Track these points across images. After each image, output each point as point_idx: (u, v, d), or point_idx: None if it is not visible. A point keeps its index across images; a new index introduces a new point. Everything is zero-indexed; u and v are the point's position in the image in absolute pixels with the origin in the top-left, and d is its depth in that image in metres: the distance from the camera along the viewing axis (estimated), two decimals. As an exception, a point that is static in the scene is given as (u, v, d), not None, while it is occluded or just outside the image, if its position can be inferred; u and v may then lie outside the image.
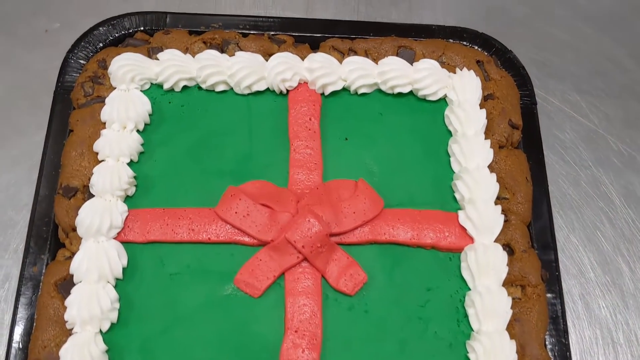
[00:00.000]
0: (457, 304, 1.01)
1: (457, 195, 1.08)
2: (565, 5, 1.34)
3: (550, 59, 1.32)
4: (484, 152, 1.09)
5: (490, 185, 1.07)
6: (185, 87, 1.15)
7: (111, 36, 1.20)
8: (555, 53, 1.33)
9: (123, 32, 1.21)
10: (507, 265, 1.02)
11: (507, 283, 1.02)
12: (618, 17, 1.37)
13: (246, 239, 1.03)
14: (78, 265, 0.98)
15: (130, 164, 1.07)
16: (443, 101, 1.17)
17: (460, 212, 1.06)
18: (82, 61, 1.18)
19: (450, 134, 1.14)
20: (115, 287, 0.99)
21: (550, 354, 1.00)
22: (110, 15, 1.21)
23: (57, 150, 1.10)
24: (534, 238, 1.09)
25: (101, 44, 1.20)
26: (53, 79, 1.16)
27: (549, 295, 1.04)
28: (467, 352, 0.98)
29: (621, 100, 1.27)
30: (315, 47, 1.22)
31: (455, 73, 1.18)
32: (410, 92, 1.17)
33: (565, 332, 1.01)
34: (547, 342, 1.01)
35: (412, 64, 1.18)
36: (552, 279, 1.06)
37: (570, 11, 1.34)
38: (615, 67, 1.32)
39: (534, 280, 1.03)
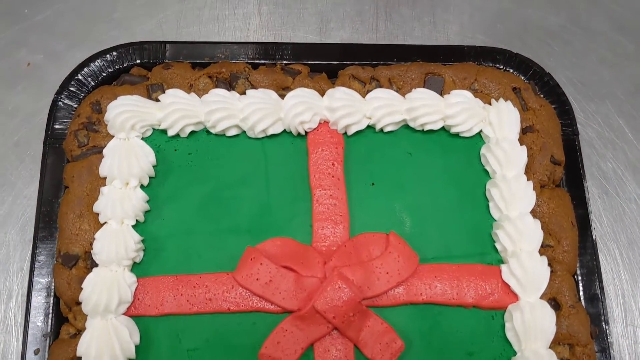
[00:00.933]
0: (502, 368, 0.93)
1: (498, 246, 0.99)
2: (604, 16, 1.21)
3: (588, 78, 1.20)
4: (527, 196, 0.99)
5: (534, 235, 0.97)
6: (192, 132, 1.03)
7: (104, 72, 1.07)
8: (593, 70, 1.21)
9: (117, 67, 1.08)
10: (555, 324, 0.94)
11: (555, 342, 0.94)
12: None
13: (270, 307, 0.93)
14: (86, 347, 0.89)
15: (136, 225, 0.96)
16: (478, 137, 1.06)
17: (503, 267, 0.97)
18: (72, 103, 1.05)
19: (487, 174, 1.03)
20: (128, 368, 0.90)
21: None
22: (99, 43, 1.09)
23: (52, 208, 0.99)
24: (580, 288, 1.00)
25: (93, 83, 1.07)
26: (42, 123, 1.04)
27: (598, 353, 0.96)
28: None
29: (670, 122, 1.17)
30: (333, 75, 1.10)
31: (490, 104, 1.06)
32: (442, 128, 1.05)
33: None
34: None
35: (441, 94, 1.07)
36: (601, 334, 0.98)
37: (609, 23, 1.21)
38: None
39: (584, 339, 0.95)
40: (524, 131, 1.06)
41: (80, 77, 1.06)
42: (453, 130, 1.04)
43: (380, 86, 1.08)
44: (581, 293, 1.00)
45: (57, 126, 1.03)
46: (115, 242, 0.93)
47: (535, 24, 1.19)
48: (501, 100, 1.06)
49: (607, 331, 0.98)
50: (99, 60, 1.07)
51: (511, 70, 1.13)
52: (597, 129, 1.15)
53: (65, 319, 0.95)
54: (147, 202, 0.98)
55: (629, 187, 1.11)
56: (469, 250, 0.99)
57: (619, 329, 1.04)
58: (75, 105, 1.05)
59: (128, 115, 0.99)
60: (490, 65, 1.12)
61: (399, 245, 0.96)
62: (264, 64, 1.09)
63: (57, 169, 1.01)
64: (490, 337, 0.95)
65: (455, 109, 1.03)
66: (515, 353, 0.94)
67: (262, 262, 0.93)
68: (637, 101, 1.18)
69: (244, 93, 1.03)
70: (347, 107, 1.01)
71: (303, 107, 1.00)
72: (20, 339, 0.92)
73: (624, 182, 1.12)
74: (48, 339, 0.93)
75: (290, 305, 0.92)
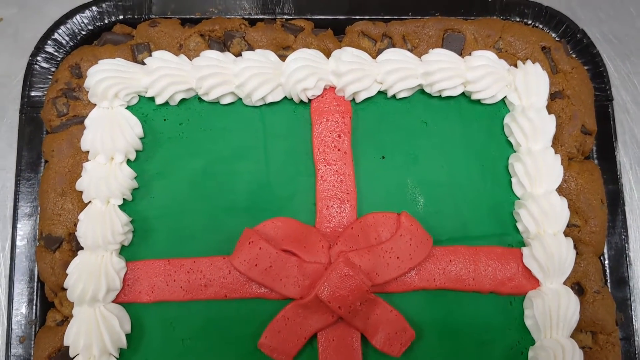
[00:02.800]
0: (518, 358, 0.88)
1: (519, 227, 0.90)
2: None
3: (625, 33, 1.07)
4: (554, 173, 0.90)
5: (560, 216, 0.89)
6: (183, 100, 0.92)
7: (83, 31, 0.96)
8: (631, 24, 1.08)
9: (98, 25, 0.96)
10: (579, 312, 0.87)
11: (577, 329, 0.88)
12: None
13: (270, 293, 0.86)
14: (73, 337, 0.83)
15: (124, 204, 0.88)
16: (502, 103, 0.95)
17: (524, 250, 0.89)
18: (49, 66, 0.94)
19: (510, 146, 0.93)
20: (120, 358, 0.84)
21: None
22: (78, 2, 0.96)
23: (32, 184, 0.91)
24: (606, 270, 0.93)
25: (71, 43, 0.95)
26: (17, 87, 0.95)
27: (622, 340, 0.89)
28: (533, 420, 0.85)
29: None
30: (340, 32, 0.99)
31: (516, 66, 0.95)
32: (462, 94, 0.94)
33: (642, 384, 0.88)
34: (619, 398, 0.88)
35: (462, 55, 0.95)
36: (627, 320, 0.91)
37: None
38: None
39: (608, 327, 0.88)
40: (553, 97, 0.95)
41: (57, 36, 0.95)
42: (474, 96, 0.93)
43: (393, 45, 0.97)
44: (608, 276, 0.93)
45: (33, 93, 0.93)
46: (101, 224, 0.85)
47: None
48: (528, 62, 0.94)
49: (634, 317, 0.91)
50: (78, 17, 0.96)
51: (540, 26, 1.00)
52: (633, 92, 1.03)
53: (52, 304, 0.88)
54: (135, 178, 0.89)
55: (666, 159, 1.01)
56: (487, 231, 0.91)
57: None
58: (53, 69, 0.94)
59: (111, 82, 0.88)
60: (517, 20, 1.00)
61: (411, 227, 0.87)
62: (262, 20, 0.97)
63: (36, 140, 0.93)
64: (507, 325, 0.88)
65: (478, 72, 0.92)
66: (533, 342, 0.87)
67: (261, 246, 0.85)
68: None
69: (240, 55, 0.92)
70: (355, 72, 0.90)
71: (306, 71, 0.89)
72: (5, 324, 0.86)
73: (661, 154, 1.01)
74: (34, 326, 0.87)
75: (292, 293, 0.85)
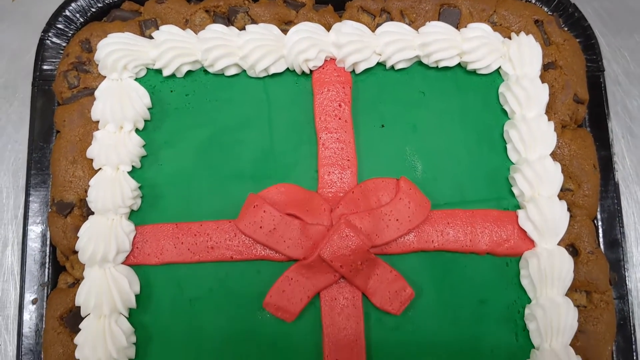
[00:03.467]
0: (515, 316, 0.90)
1: (515, 191, 0.93)
2: None
3: (615, 8, 1.11)
4: (548, 138, 0.93)
5: (554, 179, 0.92)
6: (189, 72, 0.96)
7: (93, 8, 1.00)
8: (620, 1, 1.12)
9: (107, 2, 1.00)
10: (573, 271, 0.89)
11: (572, 288, 0.91)
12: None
13: (274, 255, 0.89)
14: (85, 297, 0.86)
15: (133, 171, 0.91)
16: (496, 74, 0.98)
17: (520, 212, 0.92)
18: (61, 42, 0.98)
19: (505, 114, 0.97)
20: (130, 317, 0.87)
21: (615, 364, 0.90)
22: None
23: (44, 154, 0.95)
24: (599, 233, 0.96)
25: (82, 19, 0.99)
26: (30, 63, 0.98)
27: (616, 299, 0.92)
28: (529, 373, 0.88)
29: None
30: (340, 7, 1.02)
31: (510, 38, 0.98)
32: (458, 65, 0.98)
33: (634, 341, 0.91)
34: (613, 353, 0.91)
35: (458, 28, 0.99)
36: (620, 280, 0.94)
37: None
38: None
39: (602, 286, 0.91)
40: (546, 67, 0.98)
41: (68, 13, 0.99)
42: (470, 67, 0.97)
43: (392, 19, 1.00)
44: (601, 238, 0.96)
45: (45, 67, 0.97)
46: (111, 189, 0.88)
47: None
48: (522, 34, 0.97)
49: (627, 277, 0.94)
50: (87, -6, 1.00)
51: (533, 1, 1.04)
52: (624, 64, 1.07)
53: (63, 267, 0.92)
54: (143, 147, 0.92)
55: (656, 127, 1.05)
56: (484, 195, 0.94)
57: (639, 274, 1.00)
58: (64, 44, 0.98)
59: (120, 54, 0.92)
60: (511, -5, 1.03)
61: (410, 191, 0.91)
62: (265, -3, 1.01)
63: (48, 112, 0.96)
64: (504, 284, 0.91)
65: (473, 43, 0.95)
66: (529, 300, 0.90)
67: (265, 209, 0.88)
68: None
69: (244, 29, 0.96)
70: (355, 43, 0.94)
71: (307, 43, 0.93)
72: (18, 288, 0.89)
73: (652, 123, 1.05)
74: (46, 288, 0.90)
75: (295, 254, 0.88)
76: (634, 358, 0.91)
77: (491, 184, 0.94)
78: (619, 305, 0.93)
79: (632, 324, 0.92)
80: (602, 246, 0.95)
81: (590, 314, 0.90)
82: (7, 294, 0.94)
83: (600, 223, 0.96)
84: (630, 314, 0.92)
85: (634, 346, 0.92)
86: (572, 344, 0.88)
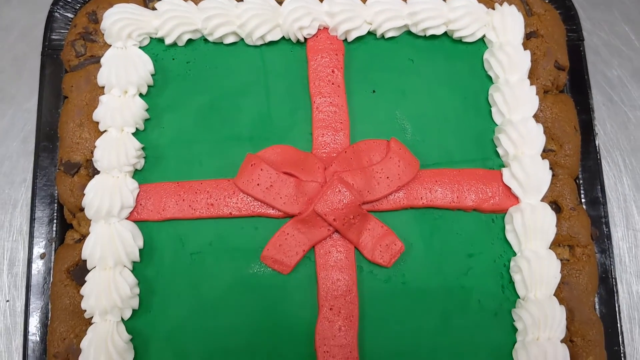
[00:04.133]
0: (501, 269, 0.94)
1: (500, 151, 0.98)
2: None
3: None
4: (530, 100, 0.98)
5: (536, 139, 0.97)
6: (190, 41, 1.02)
7: (100, -18, 1.05)
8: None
9: (113, -23, 1.06)
10: (555, 225, 0.94)
11: (555, 243, 0.95)
12: None
13: (271, 211, 0.94)
14: (90, 250, 0.90)
15: (136, 133, 0.97)
16: (481, 42, 1.04)
17: (504, 170, 0.96)
18: (69, 14, 1.04)
19: (490, 80, 1.02)
20: (133, 270, 0.92)
21: (598, 315, 0.94)
22: (95, -45, 1.05)
23: (52, 119, 1.00)
24: (581, 192, 1.00)
25: (89, -7, 1.05)
26: (39, 36, 1.03)
27: (598, 254, 0.97)
28: (514, 321, 0.92)
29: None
30: (333, -17, 1.07)
31: (493, 9, 1.04)
32: (444, 34, 1.03)
33: (615, 292, 0.95)
34: (596, 304, 0.95)
35: (445, 1, 1.04)
36: (602, 236, 0.98)
37: None
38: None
39: (584, 240, 0.96)
40: (528, 36, 1.04)
41: (75, -13, 1.05)
42: (456, 35, 1.02)
43: (382, -8, 1.06)
44: (582, 197, 1.00)
45: (54, 37, 1.03)
46: (116, 149, 0.93)
47: None
48: (505, 4, 1.03)
49: (608, 233, 0.98)
50: (94, -30, 1.05)
51: (516, -24, 1.09)
52: (603, 37, 1.12)
53: (70, 225, 0.96)
54: (147, 110, 0.97)
55: (634, 95, 1.10)
56: (470, 156, 0.99)
57: (620, 233, 1.04)
58: (72, 16, 1.04)
59: (125, 23, 0.97)
60: (495, -30, 1.09)
61: (400, 151, 0.96)
62: (262, -28, 1.07)
63: (56, 79, 1.01)
64: (490, 239, 0.96)
65: (458, 12, 1.01)
66: (514, 254, 0.94)
67: (262, 167, 0.93)
68: (646, 7, 1.15)
69: (242, 0, 1.01)
70: (347, 12, 0.99)
71: (302, 11, 0.99)
72: (27, 245, 0.93)
73: (629, 90, 1.10)
74: (53, 243, 0.94)
75: (291, 210, 0.93)
76: (616, 308, 0.96)
77: (477, 145, 0.99)
78: (601, 259, 0.97)
79: (613, 277, 0.96)
80: (583, 204, 0.99)
81: (573, 267, 0.95)
82: (16, 252, 0.99)
83: (581, 182, 1.01)
84: (612, 267, 0.97)
85: (615, 296, 0.96)
86: (557, 295, 0.92)
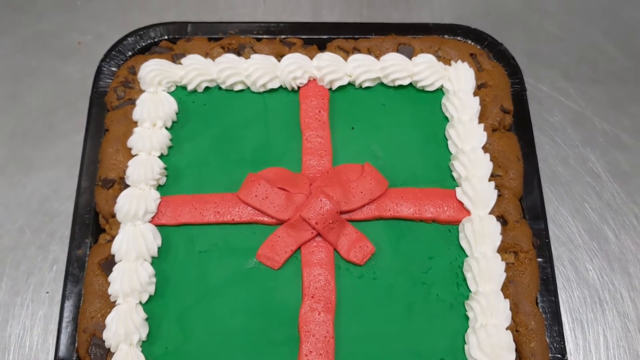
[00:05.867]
0: (456, 269, 1.12)
1: (454, 174, 1.20)
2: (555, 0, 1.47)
3: (541, 50, 1.43)
4: (478, 134, 1.21)
5: (484, 164, 1.18)
6: (207, 88, 1.28)
7: (138, 45, 1.34)
8: (545, 44, 1.44)
9: (149, 42, 1.35)
10: (501, 234, 1.13)
11: (502, 250, 1.13)
12: (604, 10, 1.48)
13: (266, 219, 1.15)
14: (118, 246, 1.11)
15: (161, 157, 1.20)
16: (440, 91, 1.28)
17: (457, 189, 1.17)
18: (113, 68, 1.31)
19: (447, 120, 1.25)
20: (152, 264, 1.11)
21: (541, 311, 1.11)
22: (135, 26, 1.35)
23: (95, 148, 1.24)
24: (525, 211, 1.20)
25: (130, 53, 1.33)
26: (88, 87, 1.30)
27: (540, 259, 1.14)
28: (466, 311, 1.09)
29: (606, 85, 1.38)
30: (322, 47, 1.34)
31: (450, 65, 1.29)
32: (410, 84, 1.28)
33: (555, 292, 1.12)
34: (538, 301, 1.11)
35: (410, 59, 1.30)
36: (543, 246, 1.16)
37: (560, 5, 1.45)
38: (601, 55, 1.43)
39: (526, 247, 1.14)
40: (479, 87, 1.28)
41: (120, 49, 1.33)
42: (419, 85, 1.27)
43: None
44: (526, 215, 1.20)
45: (100, 85, 1.30)
46: (144, 168, 1.16)
47: (496, 7, 1.44)
48: (459, 61, 1.29)
49: (547, 243, 1.16)
50: (135, 36, 1.34)
51: (469, 42, 1.36)
52: (546, 90, 1.36)
53: (103, 230, 1.18)
54: (170, 140, 1.22)
55: (572, 136, 1.32)
56: (431, 178, 1.20)
57: (557, 244, 1.22)
58: (115, 69, 1.31)
59: (156, 73, 1.25)
60: (452, 38, 1.36)
61: (372, 172, 1.18)
62: (266, 39, 1.35)
63: (100, 117, 1.27)
64: (447, 245, 1.14)
65: (421, 67, 1.26)
66: (467, 256, 1.13)
67: (260, 182, 1.15)
68: (582, 68, 1.40)
69: (249, 58, 1.29)
70: (331, 66, 1.26)
71: (295, 65, 1.25)
72: (67, 248, 1.14)
73: (569, 132, 1.32)
74: (89, 242, 1.16)
75: (282, 216, 1.14)
76: (555, 305, 1.11)
77: (436, 170, 1.21)
78: (543, 265, 1.15)
79: (553, 278, 1.13)
80: (527, 219, 1.19)
81: (518, 268, 1.13)
82: (58, 254, 1.20)
83: (525, 204, 1.21)
84: (552, 271, 1.14)
85: (555, 295, 1.12)
86: (503, 292, 1.09)
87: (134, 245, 1.11)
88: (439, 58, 1.31)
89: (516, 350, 1.06)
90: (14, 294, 1.18)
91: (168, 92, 1.27)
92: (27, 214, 1.25)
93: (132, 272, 1.08)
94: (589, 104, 1.37)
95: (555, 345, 1.09)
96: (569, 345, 1.14)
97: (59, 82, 1.39)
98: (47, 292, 1.18)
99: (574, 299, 1.19)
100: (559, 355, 1.08)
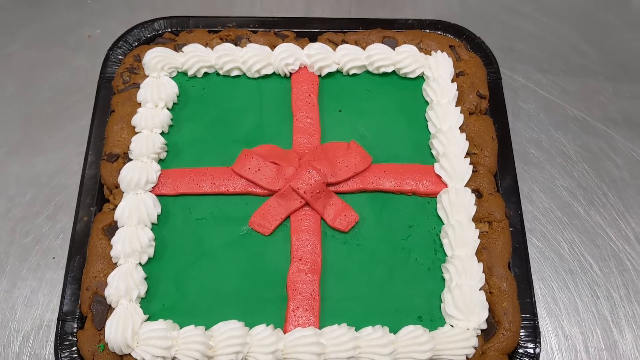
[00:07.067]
0: (434, 237, 1.21)
1: (433, 152, 1.29)
2: (530, 1, 1.58)
3: (516, 46, 1.55)
4: (455, 116, 1.31)
5: (460, 142, 1.28)
6: (206, 74, 1.38)
7: (144, 36, 1.46)
8: (521, 41, 1.56)
9: (153, 33, 1.46)
10: (476, 204, 1.22)
11: (476, 220, 1.21)
12: (576, 9, 1.60)
13: (258, 190, 1.24)
14: (121, 212, 1.20)
15: (162, 134, 1.30)
16: (421, 78, 1.39)
17: (435, 164, 1.27)
18: (120, 57, 1.43)
19: (427, 103, 1.35)
20: (152, 230, 1.20)
21: (514, 276, 1.19)
22: (142, 21, 1.47)
23: (102, 126, 1.34)
24: (500, 186, 1.29)
25: (136, 43, 1.45)
26: (96, 75, 1.41)
27: (512, 229, 1.23)
28: (443, 274, 1.17)
29: (577, 77, 1.49)
30: (313, 40, 1.44)
31: (431, 55, 1.40)
32: (393, 72, 1.39)
33: (527, 258, 1.20)
34: (511, 267, 1.20)
35: (394, 50, 1.41)
36: (515, 217, 1.25)
37: (534, 6, 1.57)
38: (573, 51, 1.54)
39: (499, 217, 1.23)
40: (457, 75, 1.39)
41: (126, 39, 1.45)
42: (402, 72, 1.38)
43: (348, 45, 1.44)
44: (500, 188, 1.28)
45: (108, 71, 1.41)
46: (146, 142, 1.26)
47: (475, 7, 1.55)
48: (439, 52, 1.40)
49: (520, 215, 1.25)
50: (140, 28, 1.46)
51: (449, 36, 1.47)
52: (521, 81, 1.47)
53: (107, 200, 1.27)
54: (171, 119, 1.32)
55: (545, 122, 1.42)
56: (411, 156, 1.29)
57: (529, 216, 1.31)
58: (122, 57, 1.42)
59: (159, 59, 1.35)
60: (433, 32, 1.47)
61: (357, 149, 1.27)
62: (261, 31, 1.46)
63: (107, 99, 1.37)
64: (426, 215, 1.23)
65: (403, 55, 1.37)
66: (444, 224, 1.22)
67: (253, 157, 1.25)
68: (555, 62, 1.51)
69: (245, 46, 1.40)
70: (321, 54, 1.36)
71: (288, 53, 1.36)
72: (74, 217, 1.24)
73: (542, 118, 1.42)
74: (93, 210, 1.25)
75: (273, 187, 1.23)
76: (527, 271, 1.20)
77: (416, 149, 1.30)
78: (515, 234, 1.23)
79: (525, 246, 1.21)
80: (500, 193, 1.28)
81: (491, 236, 1.21)
82: (64, 223, 1.29)
83: (499, 179, 1.30)
84: (524, 239, 1.22)
85: (527, 261, 1.20)
86: (478, 257, 1.18)
87: (136, 211, 1.20)
88: (420, 49, 1.42)
89: (490, 310, 1.14)
90: (22, 260, 1.27)
91: (170, 77, 1.37)
92: (37, 188, 1.35)
93: (133, 236, 1.17)
94: (561, 94, 1.47)
95: (526, 306, 1.16)
96: (541, 310, 1.21)
97: (70, 72, 1.50)
98: (54, 258, 1.27)
99: (545, 269, 1.27)
100: (529, 315, 1.15)
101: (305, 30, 1.47)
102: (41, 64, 1.52)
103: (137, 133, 1.30)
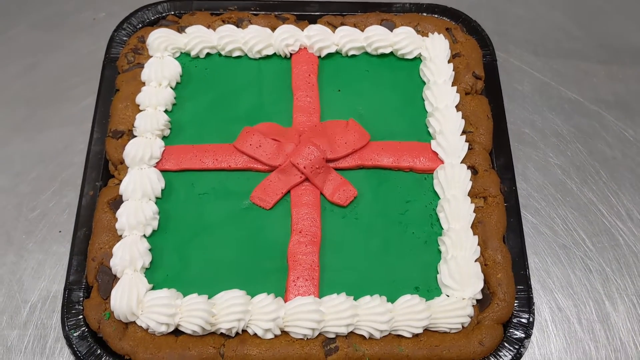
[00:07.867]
0: (430, 211, 1.24)
1: (430, 130, 1.33)
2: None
3: (510, 30, 1.58)
4: (452, 95, 1.34)
5: (456, 120, 1.31)
6: (208, 54, 1.42)
7: (148, 19, 1.49)
8: (515, 26, 1.59)
9: (157, 16, 1.49)
10: (471, 180, 1.25)
11: (472, 195, 1.25)
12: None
13: (259, 166, 1.27)
14: (126, 186, 1.23)
15: (165, 112, 1.33)
16: (418, 59, 1.42)
17: (432, 141, 1.30)
18: (125, 38, 1.46)
19: (424, 83, 1.39)
20: (156, 203, 1.24)
21: (508, 250, 1.22)
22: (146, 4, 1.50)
23: (107, 105, 1.37)
24: (495, 164, 1.32)
25: (140, 25, 1.48)
26: (101, 56, 1.44)
27: (507, 204, 1.26)
28: (439, 246, 1.20)
29: (570, 60, 1.53)
30: (313, 23, 1.47)
31: (427, 36, 1.44)
32: (391, 53, 1.42)
33: (521, 232, 1.23)
34: (505, 241, 1.23)
35: (392, 31, 1.45)
36: (510, 193, 1.28)
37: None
38: (565, 35, 1.58)
39: (494, 192, 1.26)
40: (454, 56, 1.42)
41: (131, 21, 1.48)
42: (399, 53, 1.41)
43: (347, 27, 1.47)
44: (495, 165, 1.32)
45: (113, 52, 1.44)
46: (150, 119, 1.29)
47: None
48: (435, 33, 1.43)
49: (515, 190, 1.28)
50: (144, 11, 1.49)
51: (445, 19, 1.51)
52: (516, 64, 1.50)
53: (112, 176, 1.30)
54: (175, 98, 1.35)
55: (539, 103, 1.46)
56: (409, 133, 1.32)
57: (528, 199, 1.34)
58: (127, 39, 1.46)
59: (163, 39, 1.39)
60: (430, 15, 1.51)
61: (356, 126, 1.31)
62: (262, 14, 1.50)
63: (112, 79, 1.40)
64: (423, 191, 1.27)
65: (401, 36, 1.40)
66: (440, 199, 1.25)
67: (254, 133, 1.28)
68: (548, 45, 1.55)
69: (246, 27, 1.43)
70: (320, 35, 1.40)
71: (288, 34, 1.39)
72: (80, 185, 1.27)
73: (536, 99, 1.46)
74: (99, 184, 1.28)
75: (274, 163, 1.26)
76: (521, 242, 1.23)
77: (414, 126, 1.33)
78: (509, 209, 1.26)
79: (519, 220, 1.25)
80: (496, 169, 1.31)
81: (486, 210, 1.24)
82: (70, 199, 1.32)
83: (494, 157, 1.33)
84: (519, 213, 1.25)
85: (521, 236, 1.24)
86: (473, 230, 1.21)
87: (140, 185, 1.23)
88: (417, 32, 1.45)
89: (485, 281, 1.18)
90: (28, 233, 1.30)
91: (173, 57, 1.41)
92: (43, 165, 1.38)
93: (137, 208, 1.20)
94: (555, 76, 1.50)
95: (521, 278, 1.20)
96: (535, 284, 1.24)
97: (75, 53, 1.54)
98: (60, 231, 1.30)
99: (539, 243, 1.30)
100: (523, 286, 1.19)
101: (305, 13, 1.50)
102: (47, 45, 1.55)
103: (142, 111, 1.33)
